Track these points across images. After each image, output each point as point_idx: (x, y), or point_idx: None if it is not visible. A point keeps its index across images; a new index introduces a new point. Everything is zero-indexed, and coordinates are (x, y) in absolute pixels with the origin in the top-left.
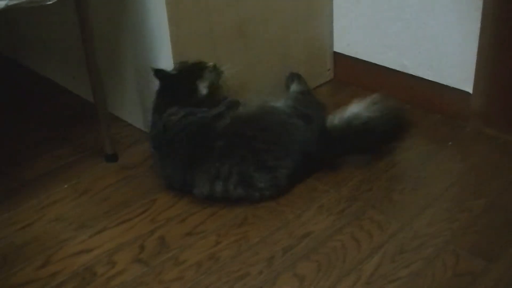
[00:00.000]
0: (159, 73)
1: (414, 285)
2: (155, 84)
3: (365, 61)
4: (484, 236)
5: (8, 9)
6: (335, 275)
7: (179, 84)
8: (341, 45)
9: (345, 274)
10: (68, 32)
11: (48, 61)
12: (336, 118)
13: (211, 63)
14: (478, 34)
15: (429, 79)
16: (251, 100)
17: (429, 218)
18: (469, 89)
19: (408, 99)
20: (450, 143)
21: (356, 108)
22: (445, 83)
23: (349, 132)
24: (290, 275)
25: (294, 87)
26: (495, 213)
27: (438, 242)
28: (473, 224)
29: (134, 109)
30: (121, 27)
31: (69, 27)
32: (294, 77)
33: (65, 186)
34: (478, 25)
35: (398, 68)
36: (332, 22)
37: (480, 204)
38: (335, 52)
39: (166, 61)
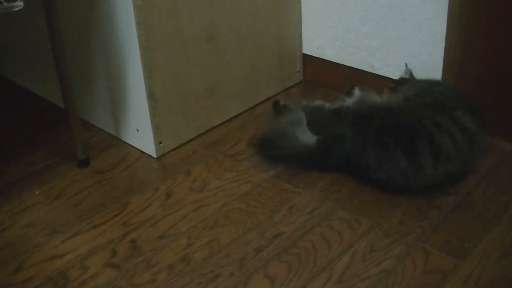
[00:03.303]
0: None
1: (385, 283)
2: (125, 88)
3: (334, 62)
4: (454, 233)
5: None
6: (306, 275)
7: None
8: (310, 47)
9: (316, 274)
10: (38, 38)
11: (18, 67)
12: None
13: None
14: (445, 34)
15: (398, 79)
16: None
17: (399, 216)
18: None
19: None
20: None
21: None
22: None
23: None
24: (261, 276)
25: None
26: (464, 210)
27: (408, 240)
28: (443, 221)
29: (105, 114)
30: (90, 32)
31: (39, 33)
32: None
33: (38, 191)
34: (445, 25)
35: (367, 69)
36: (301, 25)
37: (450, 202)
38: (304, 54)
39: (136, 66)
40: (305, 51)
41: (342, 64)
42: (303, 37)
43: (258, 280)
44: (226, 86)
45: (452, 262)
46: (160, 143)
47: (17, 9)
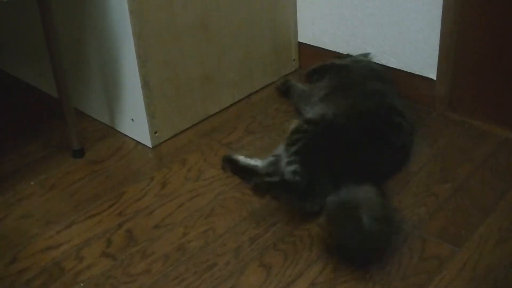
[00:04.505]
0: None
1: (381, 271)
2: (119, 77)
3: (329, 50)
4: (451, 220)
5: None
6: (302, 263)
7: None
8: (305, 35)
9: (312, 262)
10: (32, 29)
11: (13, 58)
12: None
13: None
14: (440, 20)
15: (393, 66)
16: None
17: (396, 204)
18: (433, 76)
19: None
20: None
21: None
22: (409, 70)
23: None
24: (257, 264)
25: None
26: (461, 197)
27: (405, 228)
28: (440, 209)
29: (100, 104)
30: (83, 22)
31: (33, 24)
32: None
33: (32, 182)
34: (440, 11)
35: None
36: (296, 12)
37: (447, 189)
38: (299, 42)
39: (130, 56)
40: (300, 39)
41: (338, 52)
42: (298, 25)
43: (254, 269)
44: (220, 74)
45: (449, 249)
46: (155, 132)
47: None
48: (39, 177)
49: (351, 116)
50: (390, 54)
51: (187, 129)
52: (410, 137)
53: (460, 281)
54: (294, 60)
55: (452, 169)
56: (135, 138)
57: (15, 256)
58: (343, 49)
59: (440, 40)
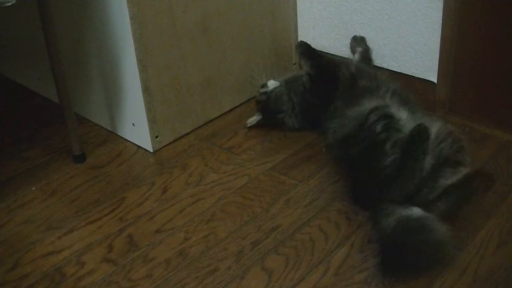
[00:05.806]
0: None
1: (382, 275)
2: (119, 82)
3: (330, 54)
4: (452, 224)
5: None
6: (304, 267)
7: None
8: (306, 39)
9: (313, 266)
10: (32, 33)
11: (13, 63)
12: None
13: None
14: (441, 24)
15: (394, 70)
16: None
17: None
18: (434, 79)
19: None
20: None
21: None
22: (410, 74)
23: None
24: (258, 269)
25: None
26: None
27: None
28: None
29: (101, 109)
30: (84, 27)
31: (33, 28)
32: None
33: (34, 188)
34: (440, 14)
35: None
36: (296, 16)
37: None
38: None
39: (130, 60)
40: None
41: (338, 55)
42: (298, 28)
43: (255, 274)
44: (221, 79)
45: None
46: (156, 137)
47: (9, 4)
48: (40, 182)
49: None
50: (390, 58)
51: (188, 133)
52: None
53: (462, 284)
54: (295, 64)
55: None
56: (136, 143)
57: (16, 262)
58: (343, 53)
59: (440, 43)
